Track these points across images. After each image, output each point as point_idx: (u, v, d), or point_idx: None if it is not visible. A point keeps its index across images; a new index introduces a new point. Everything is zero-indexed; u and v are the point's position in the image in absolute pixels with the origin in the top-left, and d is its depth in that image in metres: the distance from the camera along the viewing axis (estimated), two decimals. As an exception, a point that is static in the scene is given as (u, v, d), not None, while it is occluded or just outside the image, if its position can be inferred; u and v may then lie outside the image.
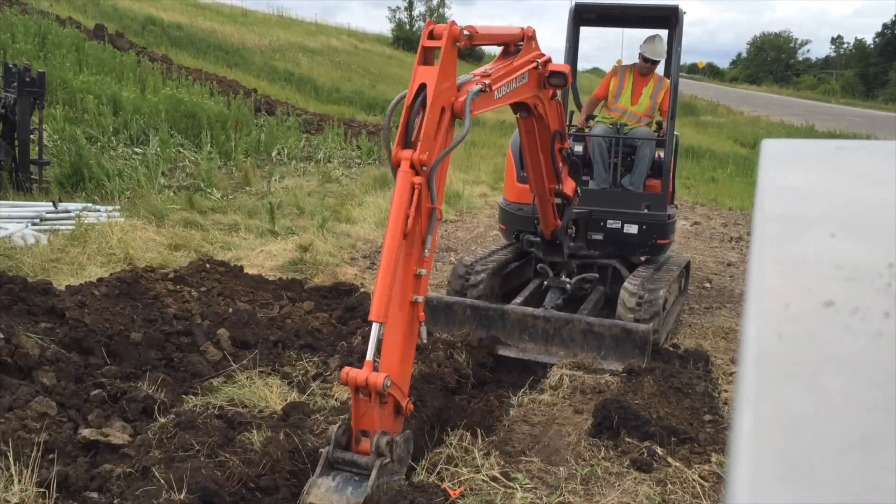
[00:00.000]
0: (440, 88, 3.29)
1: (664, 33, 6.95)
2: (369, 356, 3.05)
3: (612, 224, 6.17)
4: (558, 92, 4.90)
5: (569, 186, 5.49)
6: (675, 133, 6.53)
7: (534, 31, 4.46)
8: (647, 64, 6.62)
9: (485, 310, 5.35)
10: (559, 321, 5.23)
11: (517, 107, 4.57)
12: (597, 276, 6.11)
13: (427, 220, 3.33)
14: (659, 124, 6.86)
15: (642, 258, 6.44)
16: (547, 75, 4.55)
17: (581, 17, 6.73)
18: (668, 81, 6.68)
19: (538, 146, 4.97)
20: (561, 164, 5.32)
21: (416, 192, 3.21)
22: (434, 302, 5.37)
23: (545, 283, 5.89)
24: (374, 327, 3.08)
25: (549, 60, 4.58)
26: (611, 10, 6.97)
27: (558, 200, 5.50)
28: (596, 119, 6.92)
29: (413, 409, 3.49)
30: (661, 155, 6.46)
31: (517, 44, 4.33)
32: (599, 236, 6.19)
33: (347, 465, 3.10)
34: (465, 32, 3.41)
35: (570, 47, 6.68)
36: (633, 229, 6.14)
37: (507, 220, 6.60)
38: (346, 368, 3.05)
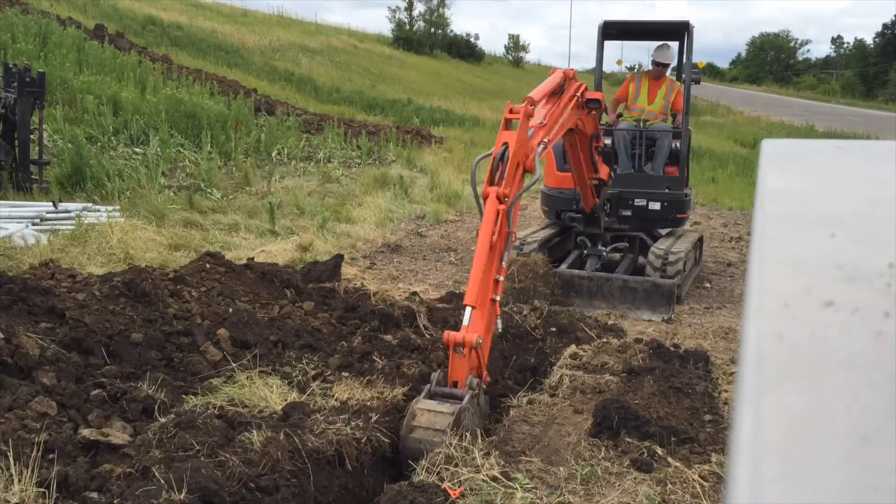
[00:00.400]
0: (517, 148, 4.43)
1: (675, 45, 8.15)
2: (465, 323, 3.99)
3: (639, 202, 7.34)
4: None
5: (603, 172, 6.84)
6: (689, 128, 7.70)
7: (574, 71, 5.68)
8: (658, 67, 7.81)
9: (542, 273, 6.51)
10: (600, 279, 6.58)
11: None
12: (627, 245, 7.47)
13: (505, 240, 4.35)
14: (674, 117, 7.95)
15: (664, 231, 7.58)
16: (585, 101, 5.83)
17: (607, 33, 7.80)
18: (678, 84, 7.91)
19: (579, 151, 6.29)
20: (597, 157, 6.68)
21: (500, 217, 4.26)
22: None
23: (584, 252, 7.29)
24: (468, 310, 4.05)
25: (585, 89, 5.86)
26: (632, 26, 8.38)
27: (596, 182, 6.80)
28: (621, 117, 8.07)
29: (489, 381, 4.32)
30: (677, 145, 7.61)
31: (562, 86, 5.45)
32: (628, 213, 7.37)
33: (445, 395, 3.99)
34: (530, 107, 4.56)
35: (598, 57, 7.82)
36: (656, 206, 7.33)
37: (550, 203, 7.82)
38: (447, 331, 4.03)
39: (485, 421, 4.21)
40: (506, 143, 4.43)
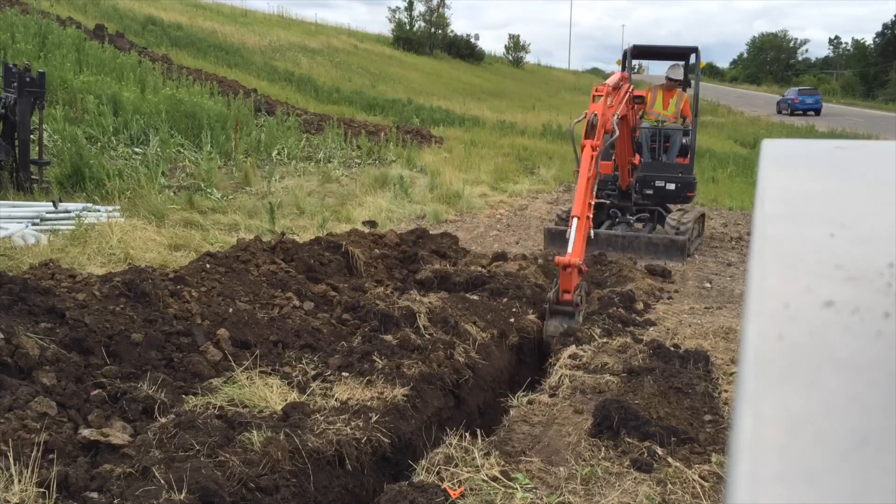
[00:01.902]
0: (603, 116, 6.51)
1: (682, 63, 10.51)
2: (570, 250, 5.90)
3: (659, 183, 9.68)
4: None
5: (636, 158, 9.13)
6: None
7: (628, 74, 8.24)
8: (671, 82, 10.07)
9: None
10: (631, 237, 8.99)
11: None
12: (648, 216, 9.86)
13: (595, 177, 6.51)
14: (683, 119, 10.21)
15: (676, 207, 9.93)
16: (633, 97, 8.12)
17: (634, 54, 10.38)
18: (685, 94, 10.25)
19: (626, 137, 8.12)
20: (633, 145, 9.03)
21: (593, 160, 6.35)
22: (553, 231, 9.24)
23: (616, 221, 9.64)
24: (574, 221, 6.00)
25: (633, 89, 8.11)
26: (652, 49, 10.87)
27: (631, 166, 9.03)
28: (642, 119, 10.06)
29: (581, 273, 6.12)
30: (685, 140, 10.07)
31: (620, 83, 7.43)
32: (650, 191, 9.71)
33: (560, 312, 5.96)
34: (611, 87, 6.86)
35: (628, 71, 9.77)
36: (672, 186, 9.67)
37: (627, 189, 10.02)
38: (558, 257, 5.95)
39: (584, 310, 6.26)
40: (595, 113, 6.50)
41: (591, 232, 6.37)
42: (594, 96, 6.69)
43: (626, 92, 7.61)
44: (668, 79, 10.01)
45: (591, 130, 6.43)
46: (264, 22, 44.75)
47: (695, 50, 10.10)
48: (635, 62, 11.51)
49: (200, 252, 6.97)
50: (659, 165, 9.88)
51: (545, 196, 14.18)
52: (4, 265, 6.06)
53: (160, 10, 34.43)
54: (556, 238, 8.70)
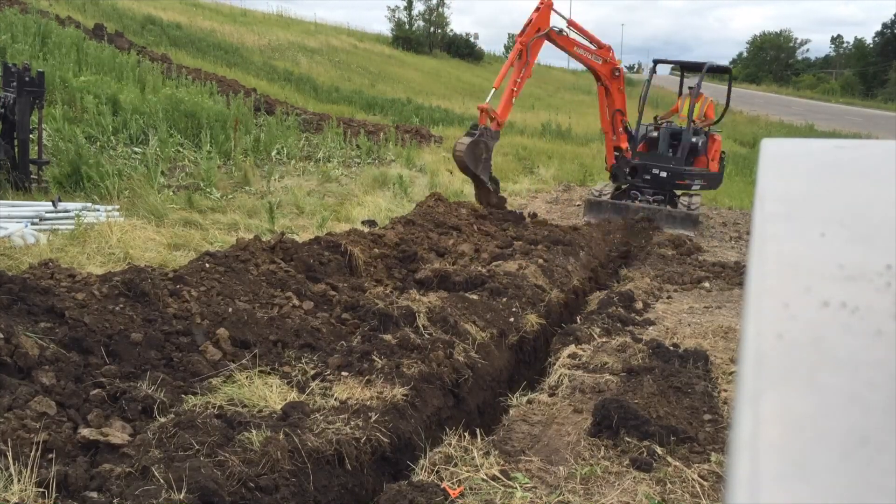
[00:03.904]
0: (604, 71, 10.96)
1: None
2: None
3: (662, 174, 11.67)
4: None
5: (623, 142, 11.56)
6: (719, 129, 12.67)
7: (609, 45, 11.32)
8: (694, 92, 12.04)
9: (617, 204, 11.32)
10: (655, 210, 11.04)
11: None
12: (663, 197, 11.51)
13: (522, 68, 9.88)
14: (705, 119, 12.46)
15: (679, 193, 11.95)
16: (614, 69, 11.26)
17: (656, 65, 13.40)
18: (710, 99, 12.32)
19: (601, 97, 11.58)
20: (620, 127, 11.47)
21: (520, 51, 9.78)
22: (592, 200, 11.44)
23: (638, 199, 11.41)
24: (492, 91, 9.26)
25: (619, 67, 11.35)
26: (676, 62, 13.51)
27: (617, 153, 11.65)
28: (671, 122, 12.45)
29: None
30: (697, 140, 11.97)
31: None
32: (648, 177, 11.64)
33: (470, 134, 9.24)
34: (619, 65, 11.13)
35: (647, 82, 12.67)
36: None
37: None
38: (480, 104, 9.10)
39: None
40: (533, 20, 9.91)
41: (631, 203, 10.91)
42: (538, 7, 9.85)
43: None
44: (690, 89, 12.11)
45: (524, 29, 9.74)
46: (263, 21, 44.72)
47: (703, 64, 12.40)
48: (634, 63, 12.31)
49: (200, 251, 6.96)
50: (665, 158, 12.06)
51: (544, 195, 14.17)
52: (4, 265, 6.06)
53: (159, 9, 34.41)
54: (594, 208, 11.28)
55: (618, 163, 11.50)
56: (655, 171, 11.44)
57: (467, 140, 9.33)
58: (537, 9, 9.86)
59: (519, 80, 9.92)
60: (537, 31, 9.88)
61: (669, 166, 11.46)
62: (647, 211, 10.99)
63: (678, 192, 11.80)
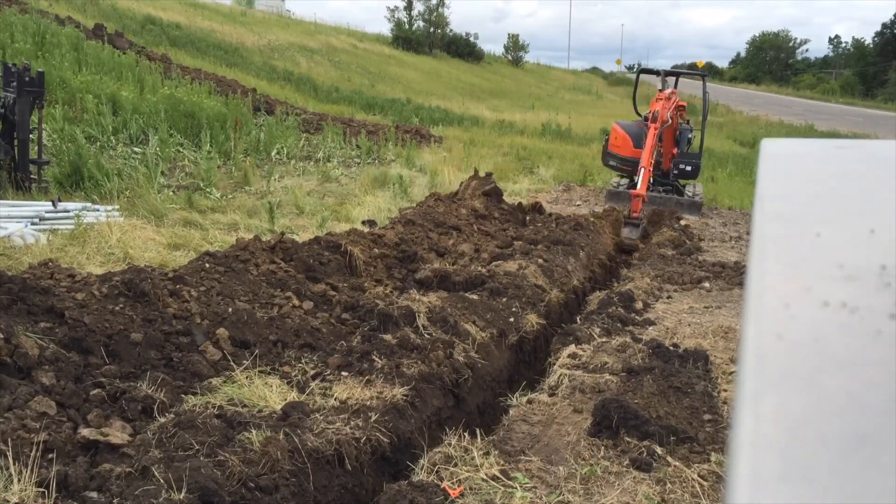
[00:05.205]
0: (662, 112, 10.94)
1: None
2: (638, 186, 9.73)
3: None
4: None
5: (675, 150, 13.00)
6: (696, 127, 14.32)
7: (675, 91, 12.57)
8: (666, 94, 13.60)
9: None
10: (665, 197, 12.39)
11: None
12: (670, 187, 12.94)
13: (654, 150, 10.47)
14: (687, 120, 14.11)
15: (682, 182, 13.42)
16: (678, 105, 12.34)
17: (641, 72, 15.18)
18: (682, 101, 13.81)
19: (669, 132, 12.35)
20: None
21: (654, 135, 10.46)
22: (612, 190, 12.68)
23: (650, 189, 11.67)
24: (641, 171, 9.81)
25: (678, 100, 12.33)
26: (653, 70, 14.82)
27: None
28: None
29: None
30: (691, 136, 13.60)
31: (671, 95, 11.75)
32: (675, 171, 13.16)
33: (631, 224, 9.97)
34: (665, 96, 11.63)
35: (634, 87, 14.63)
36: (689, 168, 13.04)
37: (628, 164, 12.56)
38: (631, 190, 10.08)
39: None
40: (656, 109, 10.80)
41: (651, 180, 10.83)
42: (657, 98, 11.38)
43: (674, 102, 11.86)
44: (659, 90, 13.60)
45: (653, 119, 10.75)
46: (263, 21, 44.72)
47: (696, 66, 15.16)
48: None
49: (200, 251, 6.97)
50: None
51: (544, 195, 14.17)
52: (4, 265, 6.06)
53: (159, 9, 34.41)
54: (614, 196, 12.44)
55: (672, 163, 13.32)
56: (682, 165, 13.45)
57: (633, 232, 10.53)
58: (658, 99, 11.48)
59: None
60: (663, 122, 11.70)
61: (691, 160, 13.43)
62: (659, 198, 12.29)
63: (682, 182, 13.27)
